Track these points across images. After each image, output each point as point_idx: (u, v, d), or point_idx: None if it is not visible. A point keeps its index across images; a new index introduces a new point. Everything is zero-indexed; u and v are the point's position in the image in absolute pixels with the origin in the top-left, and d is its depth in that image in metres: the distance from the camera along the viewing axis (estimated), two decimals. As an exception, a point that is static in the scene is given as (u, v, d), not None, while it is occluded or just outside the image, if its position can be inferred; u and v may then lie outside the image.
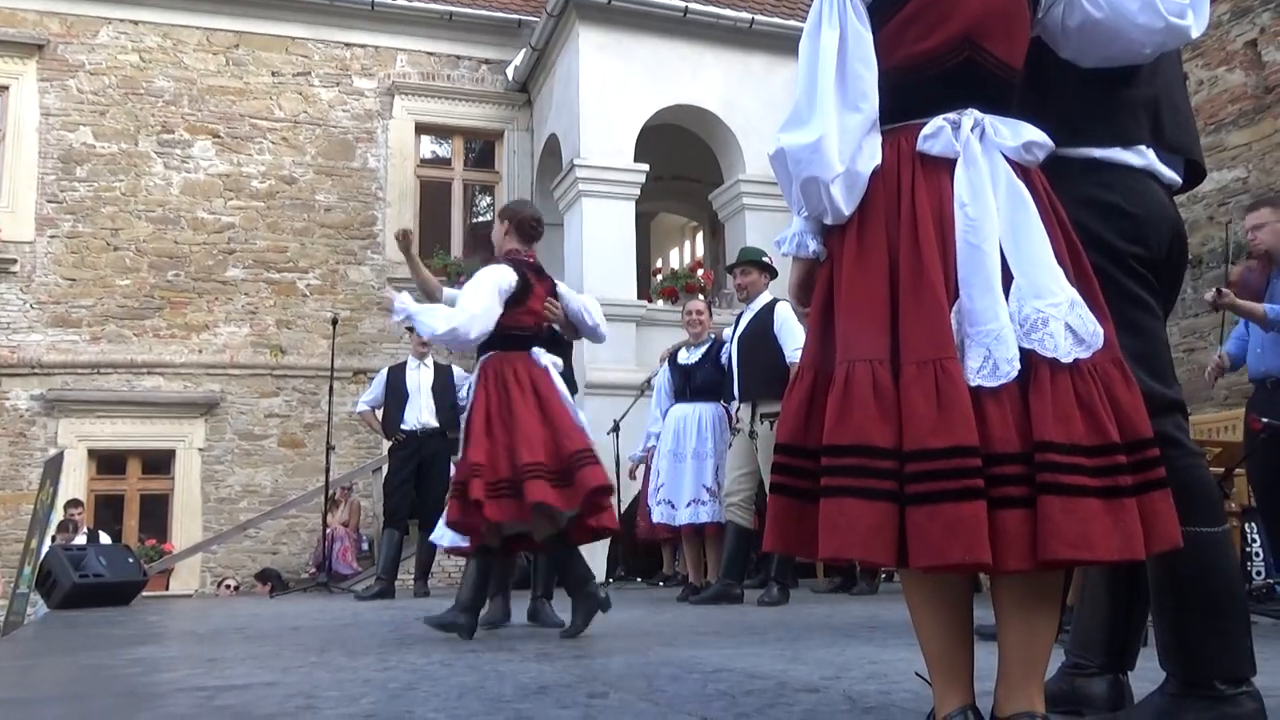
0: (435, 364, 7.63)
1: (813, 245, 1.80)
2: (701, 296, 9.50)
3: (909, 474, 1.52)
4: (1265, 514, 4.51)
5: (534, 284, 4.12)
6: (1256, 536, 4.95)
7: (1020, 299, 1.60)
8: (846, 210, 1.70)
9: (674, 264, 17.19)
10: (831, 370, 1.65)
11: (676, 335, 7.39)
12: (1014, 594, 1.59)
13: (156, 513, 11.24)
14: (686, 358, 6.52)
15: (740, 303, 6.19)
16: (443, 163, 12.86)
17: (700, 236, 16.42)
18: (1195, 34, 1.88)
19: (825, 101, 1.70)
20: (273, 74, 11.79)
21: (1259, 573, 4.95)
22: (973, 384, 1.55)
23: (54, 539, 8.66)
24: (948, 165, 1.68)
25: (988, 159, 1.68)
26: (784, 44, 10.50)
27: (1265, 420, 4.08)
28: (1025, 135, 1.72)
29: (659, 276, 12.43)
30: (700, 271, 11.73)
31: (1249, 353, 4.60)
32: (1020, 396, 1.56)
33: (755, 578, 6.93)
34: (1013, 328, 1.58)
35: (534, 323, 4.12)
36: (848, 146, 1.68)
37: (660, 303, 10.92)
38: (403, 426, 7.40)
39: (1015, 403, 1.55)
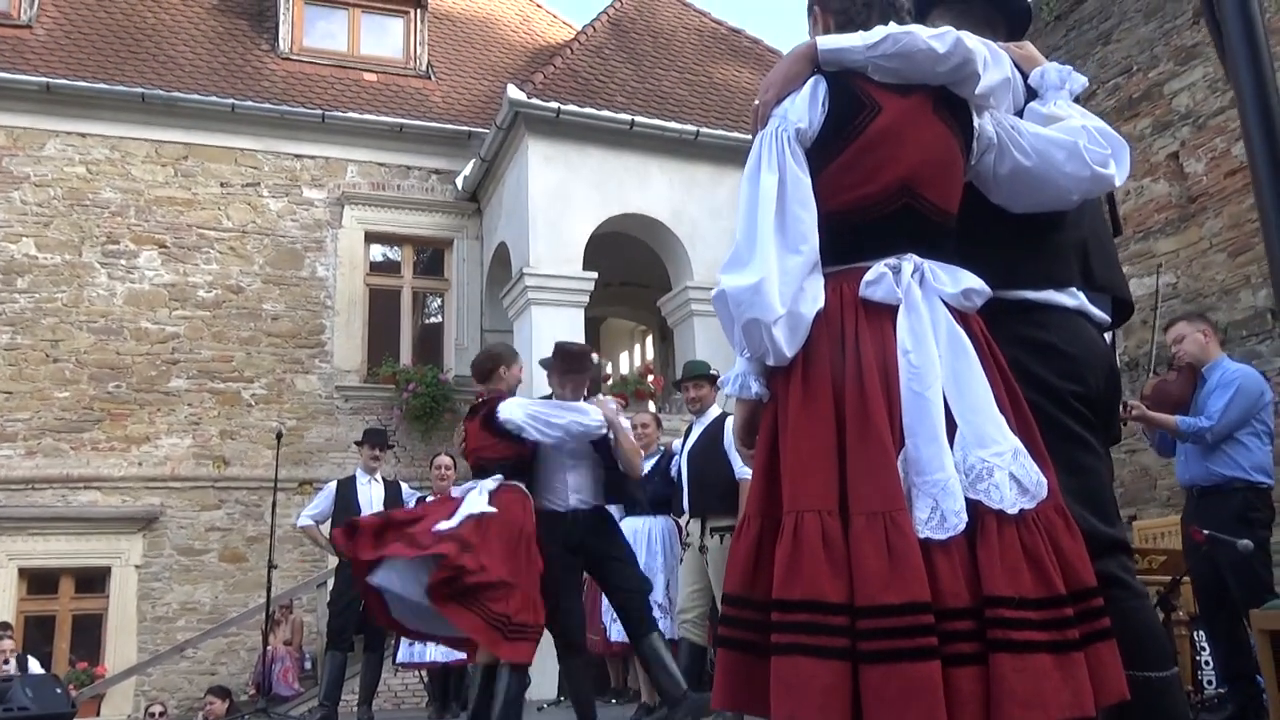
0: (384, 480, 7.50)
1: (755, 387, 1.80)
2: (651, 404, 9.49)
3: (861, 630, 1.49)
4: (1209, 624, 4.53)
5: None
6: (1205, 645, 4.95)
7: (965, 448, 1.60)
8: (789, 352, 1.69)
9: (624, 367, 17.27)
10: (778, 517, 1.62)
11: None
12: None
13: (89, 632, 10.78)
14: (636, 470, 6.45)
15: (692, 414, 6.20)
16: (392, 268, 12.85)
17: (649, 340, 16.53)
18: (1119, 182, 1.95)
19: (765, 244, 1.70)
20: (221, 185, 11.79)
21: (1209, 681, 4.95)
22: (921, 536, 1.54)
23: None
24: (890, 311, 1.69)
25: (928, 305, 1.70)
26: (729, 155, 10.76)
27: (1207, 532, 4.13)
28: (964, 282, 1.75)
29: (609, 381, 12.44)
30: (650, 377, 11.76)
31: (1176, 460, 4.68)
32: (968, 547, 1.55)
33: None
34: (958, 477, 1.58)
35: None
36: (789, 288, 1.68)
37: (611, 408, 10.88)
38: None
39: (963, 554, 1.54)
